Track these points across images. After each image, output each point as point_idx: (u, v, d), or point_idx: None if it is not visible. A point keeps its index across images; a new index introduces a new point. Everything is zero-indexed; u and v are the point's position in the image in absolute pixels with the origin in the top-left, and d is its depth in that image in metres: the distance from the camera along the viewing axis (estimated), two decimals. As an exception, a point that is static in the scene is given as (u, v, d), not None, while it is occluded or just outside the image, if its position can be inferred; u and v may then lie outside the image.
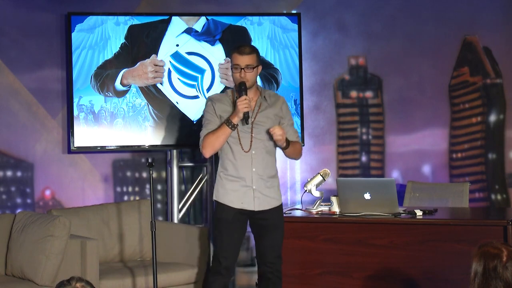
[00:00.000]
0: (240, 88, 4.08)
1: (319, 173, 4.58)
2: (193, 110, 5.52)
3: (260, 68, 4.18)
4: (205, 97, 5.49)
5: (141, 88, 5.46)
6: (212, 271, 4.21)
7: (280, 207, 4.24)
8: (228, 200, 4.17)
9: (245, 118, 4.06)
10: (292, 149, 4.23)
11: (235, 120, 4.07)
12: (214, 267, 4.19)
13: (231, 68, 4.16)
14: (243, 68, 4.08)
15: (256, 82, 4.21)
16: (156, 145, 5.48)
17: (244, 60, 4.09)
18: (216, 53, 5.53)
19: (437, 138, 5.83)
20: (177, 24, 5.51)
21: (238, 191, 4.15)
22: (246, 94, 4.05)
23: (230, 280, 4.28)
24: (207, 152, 4.18)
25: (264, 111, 4.18)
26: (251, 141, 4.14)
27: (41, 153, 5.55)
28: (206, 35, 5.54)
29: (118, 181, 5.74)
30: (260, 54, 5.51)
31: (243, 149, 4.14)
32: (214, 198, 4.22)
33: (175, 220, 5.54)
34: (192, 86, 5.53)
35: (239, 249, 4.25)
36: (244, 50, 4.11)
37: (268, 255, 4.18)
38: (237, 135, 4.15)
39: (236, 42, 5.39)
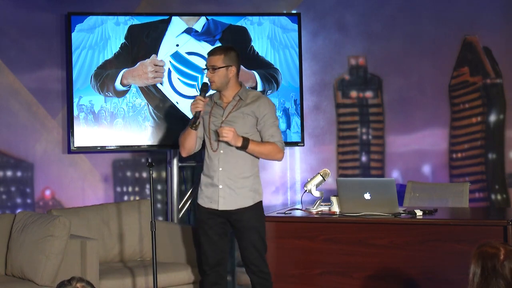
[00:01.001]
0: (200, 89, 4.19)
1: (319, 173, 4.58)
2: (193, 110, 5.52)
3: (232, 69, 4.12)
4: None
5: (141, 88, 5.46)
6: (200, 271, 4.36)
7: (253, 207, 4.17)
8: (201, 199, 4.22)
9: (195, 118, 4.09)
10: (258, 149, 4.12)
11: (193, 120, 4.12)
12: (200, 267, 4.35)
13: None
14: (208, 69, 4.13)
15: (235, 83, 4.17)
16: (156, 145, 5.48)
17: (208, 60, 4.15)
18: (216, 53, 5.53)
19: (437, 138, 5.82)
20: (177, 24, 5.51)
21: (208, 190, 4.18)
22: (204, 96, 4.10)
23: (222, 279, 4.24)
24: (181, 151, 4.29)
25: (238, 110, 4.16)
26: (219, 141, 4.13)
27: (41, 153, 5.55)
28: (206, 35, 5.54)
29: (118, 181, 5.74)
30: (261, 54, 5.56)
31: (212, 148, 4.16)
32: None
33: (175, 220, 5.54)
34: (192, 86, 5.53)
35: (221, 248, 4.21)
36: (211, 51, 4.18)
37: (249, 257, 4.16)
38: (209, 135, 4.18)
39: (236, 42, 5.40)
